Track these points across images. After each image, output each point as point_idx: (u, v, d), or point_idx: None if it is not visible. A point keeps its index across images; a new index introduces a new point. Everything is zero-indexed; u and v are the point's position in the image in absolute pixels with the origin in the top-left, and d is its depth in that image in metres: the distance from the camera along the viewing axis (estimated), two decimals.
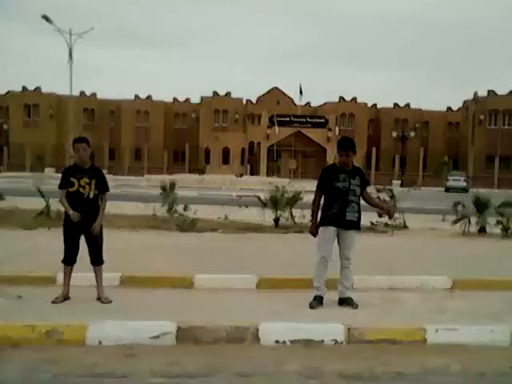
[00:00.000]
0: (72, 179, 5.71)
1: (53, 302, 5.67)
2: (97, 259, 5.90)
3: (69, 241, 5.79)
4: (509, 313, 5.73)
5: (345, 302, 5.87)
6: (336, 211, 5.73)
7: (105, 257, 5.97)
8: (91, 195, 5.75)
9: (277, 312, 5.53)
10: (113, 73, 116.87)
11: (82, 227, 5.75)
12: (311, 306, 5.75)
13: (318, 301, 5.82)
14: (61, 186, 5.79)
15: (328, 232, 5.78)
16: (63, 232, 5.86)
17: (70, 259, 5.81)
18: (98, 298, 5.85)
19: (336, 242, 5.86)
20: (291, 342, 4.83)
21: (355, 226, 5.85)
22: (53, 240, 5.98)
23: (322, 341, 4.85)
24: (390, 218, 6.35)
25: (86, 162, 5.82)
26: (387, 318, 5.44)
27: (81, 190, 5.70)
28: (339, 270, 5.94)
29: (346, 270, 5.90)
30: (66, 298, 5.80)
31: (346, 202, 5.72)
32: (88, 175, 5.75)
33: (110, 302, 5.80)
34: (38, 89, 62.65)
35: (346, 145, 5.85)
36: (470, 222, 12.20)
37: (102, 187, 5.87)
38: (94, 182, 5.76)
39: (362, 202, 5.94)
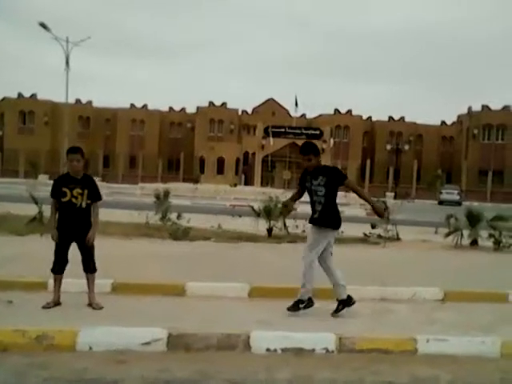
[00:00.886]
0: (64, 189, 5.71)
1: (43, 308, 5.65)
2: (90, 267, 5.89)
3: (59, 250, 5.79)
4: (499, 325, 5.75)
5: (340, 304, 5.95)
6: (311, 209, 6.04)
7: (97, 264, 5.96)
8: (83, 205, 5.76)
9: (268, 320, 5.53)
10: (109, 81, 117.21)
11: (74, 236, 5.77)
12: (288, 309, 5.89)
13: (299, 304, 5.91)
14: (52, 195, 5.81)
15: (309, 231, 6.17)
16: (56, 244, 5.85)
17: (58, 269, 5.81)
18: (90, 304, 5.83)
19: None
20: (282, 350, 4.82)
21: (321, 223, 5.90)
22: (45, 246, 5.97)
23: (313, 349, 4.86)
24: (381, 217, 6.39)
25: (79, 172, 5.82)
26: (378, 328, 5.45)
27: (73, 200, 5.71)
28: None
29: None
30: (56, 303, 5.78)
31: (313, 202, 5.96)
32: (80, 185, 5.75)
33: (101, 308, 5.78)
34: (33, 96, 62.69)
35: (305, 149, 6.03)
36: (462, 234, 12.26)
37: (95, 196, 5.87)
38: (86, 192, 5.76)
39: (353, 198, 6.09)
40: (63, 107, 43.30)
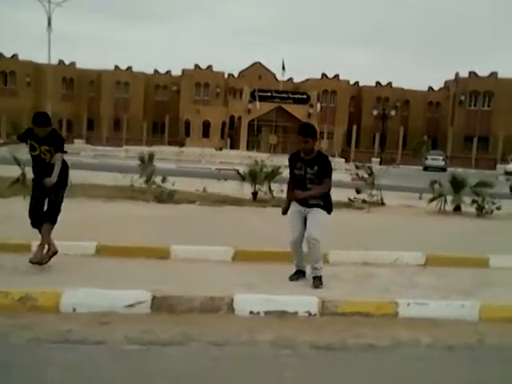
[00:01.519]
0: (33, 143, 5.86)
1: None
2: (49, 216, 5.88)
3: (32, 203, 5.90)
4: (479, 289, 5.86)
5: (313, 280, 5.81)
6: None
7: (81, 227, 5.92)
8: (52, 161, 5.83)
9: (252, 284, 5.57)
10: (92, 43, 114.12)
11: (46, 190, 5.82)
12: (290, 279, 5.88)
13: (297, 274, 5.94)
14: (20, 138, 6.10)
15: (293, 212, 5.88)
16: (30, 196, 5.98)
17: (33, 221, 5.86)
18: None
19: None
20: (265, 313, 4.87)
21: (319, 206, 5.81)
22: (27, 208, 5.90)
23: (296, 312, 4.91)
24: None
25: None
26: (361, 292, 5.52)
27: (42, 155, 5.84)
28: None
29: (311, 248, 5.74)
30: (54, 252, 5.88)
31: (305, 190, 5.79)
32: (47, 143, 5.83)
33: (40, 263, 5.76)
34: (14, 56, 61.13)
35: (305, 131, 5.86)
36: (446, 200, 12.38)
37: (57, 147, 5.87)
38: (53, 149, 5.84)
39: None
40: (46, 68, 42.38)
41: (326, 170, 5.80)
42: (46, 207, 5.91)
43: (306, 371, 3.78)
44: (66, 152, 5.97)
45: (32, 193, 5.95)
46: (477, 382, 3.75)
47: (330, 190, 5.88)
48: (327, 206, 5.86)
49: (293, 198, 5.93)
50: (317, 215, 5.76)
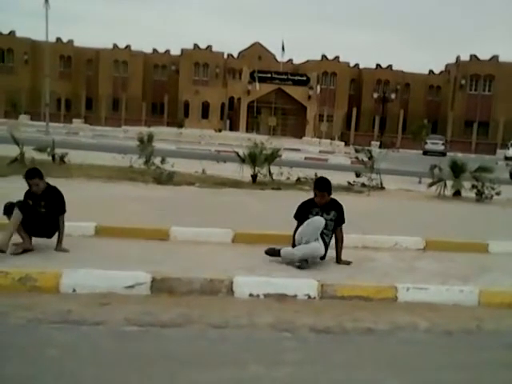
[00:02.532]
0: (29, 201, 5.75)
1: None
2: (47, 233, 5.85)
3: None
4: (478, 274, 5.87)
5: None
6: None
7: (79, 207, 5.88)
8: (43, 210, 5.74)
9: (252, 266, 5.57)
10: (90, 20, 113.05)
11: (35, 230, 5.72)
12: (300, 267, 5.70)
13: (304, 263, 5.77)
14: (20, 207, 5.58)
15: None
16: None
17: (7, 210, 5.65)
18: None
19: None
20: (265, 295, 4.88)
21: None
22: (25, 187, 5.87)
23: (296, 295, 4.93)
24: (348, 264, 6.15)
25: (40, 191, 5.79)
26: (360, 276, 5.52)
27: (38, 208, 5.74)
28: None
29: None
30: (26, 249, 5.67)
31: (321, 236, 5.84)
32: (44, 200, 5.75)
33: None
34: (12, 33, 60.52)
35: (321, 186, 5.98)
36: (445, 185, 12.38)
37: (59, 209, 5.78)
38: (44, 204, 5.74)
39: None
40: (43, 45, 41.96)
41: (342, 217, 6.04)
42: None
43: (305, 354, 3.79)
44: (65, 211, 5.83)
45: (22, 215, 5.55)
46: (474, 366, 3.77)
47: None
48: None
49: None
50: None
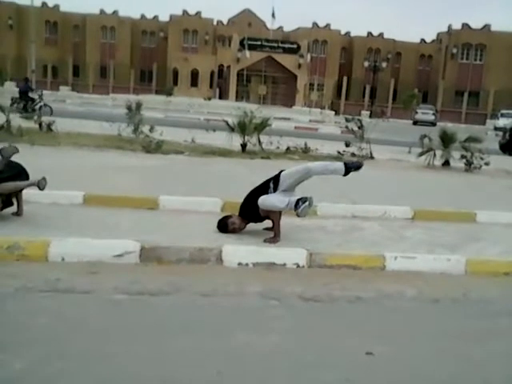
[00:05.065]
0: None
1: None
2: None
3: None
4: (465, 243, 5.92)
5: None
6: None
7: (67, 175, 5.79)
8: None
9: (240, 235, 5.57)
10: None
11: None
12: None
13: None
14: None
15: None
16: None
17: None
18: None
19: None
20: (254, 264, 4.90)
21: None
22: (13, 156, 5.78)
23: (284, 264, 4.95)
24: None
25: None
26: (348, 245, 5.55)
27: None
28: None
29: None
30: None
31: None
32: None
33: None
34: None
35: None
36: (435, 155, 12.40)
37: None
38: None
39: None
40: (29, 10, 41.04)
41: None
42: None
43: (293, 322, 3.82)
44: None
45: None
46: (460, 333, 3.83)
47: None
48: None
49: None
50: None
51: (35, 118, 13.97)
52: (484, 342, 3.71)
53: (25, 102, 20.12)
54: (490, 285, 4.88)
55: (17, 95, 20.92)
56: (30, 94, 20.74)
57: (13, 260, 4.60)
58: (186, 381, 2.95)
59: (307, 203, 5.33)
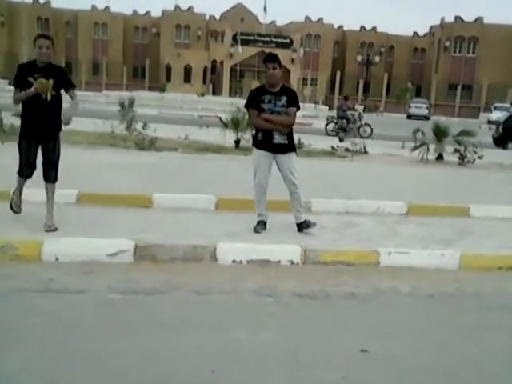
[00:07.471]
0: (30, 79, 5.12)
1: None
2: (51, 174, 5.41)
3: (26, 151, 5.30)
4: (459, 238, 5.94)
5: (302, 225, 5.78)
6: (262, 134, 5.65)
7: (60, 173, 5.74)
8: (49, 97, 5.16)
9: (235, 232, 5.57)
10: None
11: (41, 136, 5.28)
12: (256, 231, 5.67)
13: (261, 225, 5.75)
14: (16, 84, 5.21)
15: (260, 156, 5.68)
16: (18, 144, 5.35)
17: (26, 173, 5.38)
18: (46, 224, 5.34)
19: (276, 168, 5.74)
20: (248, 261, 4.90)
21: (286, 148, 5.67)
22: (6, 154, 5.75)
23: (279, 261, 4.95)
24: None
25: (47, 61, 5.23)
26: (342, 241, 5.55)
27: (42, 94, 5.14)
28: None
29: (293, 196, 5.73)
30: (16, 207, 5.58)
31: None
32: (44, 74, 5.14)
33: (55, 229, 5.26)
34: None
35: (271, 57, 5.74)
36: (428, 149, 12.42)
37: (66, 84, 5.32)
38: (51, 83, 5.16)
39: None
40: (20, 7, 40.78)
41: (294, 101, 5.67)
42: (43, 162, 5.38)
43: (287, 319, 3.82)
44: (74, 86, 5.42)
45: (23, 141, 5.26)
46: (455, 328, 3.84)
47: (293, 123, 5.68)
48: (293, 145, 5.76)
49: (262, 126, 5.65)
50: (291, 161, 5.69)
51: None
52: (479, 336, 3.73)
53: None
54: (484, 279, 4.90)
55: None
56: None
57: (6, 260, 4.58)
58: (182, 379, 2.95)
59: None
